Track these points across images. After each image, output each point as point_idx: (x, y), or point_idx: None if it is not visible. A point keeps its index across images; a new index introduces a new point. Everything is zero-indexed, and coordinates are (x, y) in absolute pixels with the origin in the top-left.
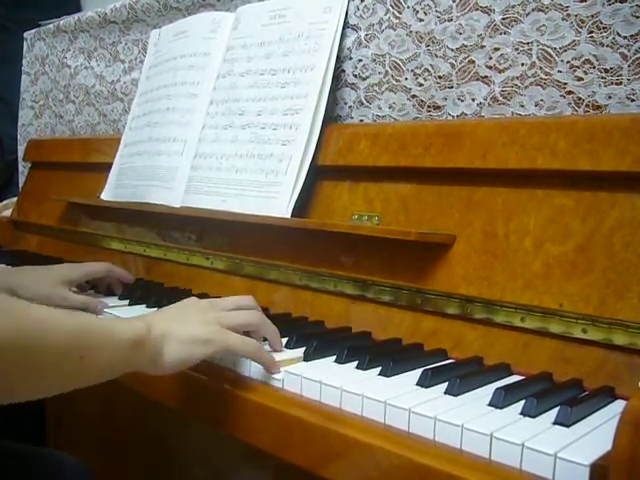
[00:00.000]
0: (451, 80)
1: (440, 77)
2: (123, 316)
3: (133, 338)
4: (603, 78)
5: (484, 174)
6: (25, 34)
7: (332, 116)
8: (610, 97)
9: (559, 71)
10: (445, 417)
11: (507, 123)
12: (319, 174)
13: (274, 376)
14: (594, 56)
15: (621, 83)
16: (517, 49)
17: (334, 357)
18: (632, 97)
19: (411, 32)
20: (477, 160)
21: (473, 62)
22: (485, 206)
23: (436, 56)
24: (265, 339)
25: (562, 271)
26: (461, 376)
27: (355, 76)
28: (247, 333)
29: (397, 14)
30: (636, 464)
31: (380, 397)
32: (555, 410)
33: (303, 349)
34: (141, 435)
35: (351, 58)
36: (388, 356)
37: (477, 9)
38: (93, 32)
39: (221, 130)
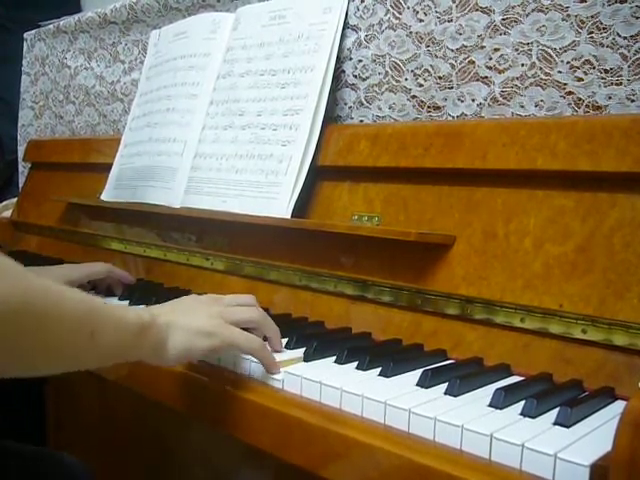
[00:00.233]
0: (451, 80)
1: (440, 77)
2: None
3: (139, 323)
4: (603, 79)
5: (484, 174)
6: (25, 34)
7: (332, 116)
8: (610, 98)
9: (559, 72)
10: (445, 417)
11: (507, 124)
12: (319, 174)
13: (274, 376)
14: (594, 57)
15: (621, 84)
16: (517, 50)
17: (334, 357)
18: (632, 98)
19: (411, 33)
20: (477, 160)
21: (473, 62)
22: (485, 206)
23: (436, 57)
24: (265, 338)
25: (562, 271)
26: (461, 377)
27: (355, 77)
28: (248, 330)
29: (397, 15)
30: (636, 465)
31: (380, 397)
32: (555, 411)
33: (303, 349)
34: (141, 435)
35: (351, 59)
36: (388, 356)
37: (477, 10)
38: (93, 32)
39: (221, 131)
